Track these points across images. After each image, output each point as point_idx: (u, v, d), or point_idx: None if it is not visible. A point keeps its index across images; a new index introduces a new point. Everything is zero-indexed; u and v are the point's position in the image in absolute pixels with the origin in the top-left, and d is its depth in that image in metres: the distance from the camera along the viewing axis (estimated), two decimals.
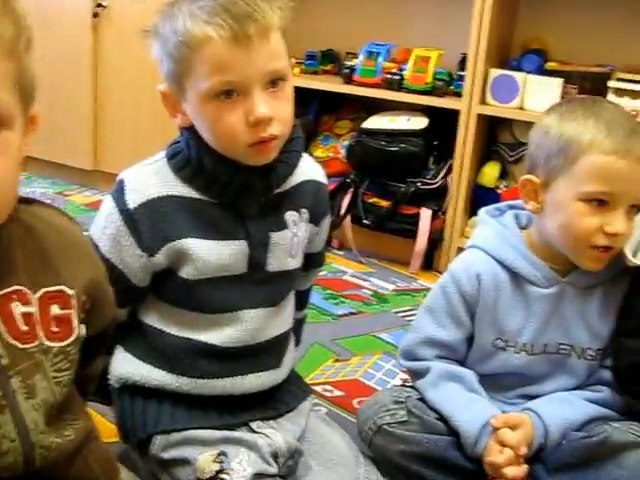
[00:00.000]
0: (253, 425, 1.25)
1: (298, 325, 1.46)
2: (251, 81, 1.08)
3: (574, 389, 1.37)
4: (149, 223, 1.16)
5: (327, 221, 1.36)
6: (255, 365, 1.26)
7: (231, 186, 1.17)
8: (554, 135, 1.28)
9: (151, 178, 1.18)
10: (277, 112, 1.11)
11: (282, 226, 1.24)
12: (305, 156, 1.29)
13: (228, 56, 1.06)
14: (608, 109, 1.30)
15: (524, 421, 1.29)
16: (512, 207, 1.43)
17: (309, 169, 1.30)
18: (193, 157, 1.17)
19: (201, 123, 1.14)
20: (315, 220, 1.31)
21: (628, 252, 1.33)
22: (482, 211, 1.44)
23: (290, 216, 1.25)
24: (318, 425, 1.36)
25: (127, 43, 2.84)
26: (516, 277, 1.34)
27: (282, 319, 1.30)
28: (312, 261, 1.38)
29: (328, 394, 1.74)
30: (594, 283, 1.35)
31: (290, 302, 1.33)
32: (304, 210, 1.27)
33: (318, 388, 1.75)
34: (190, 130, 1.16)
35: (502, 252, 1.35)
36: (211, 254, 1.17)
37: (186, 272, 1.18)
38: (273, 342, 1.28)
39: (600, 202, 1.24)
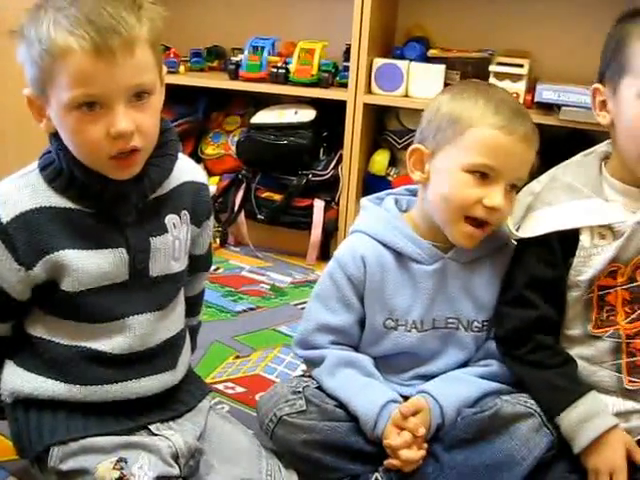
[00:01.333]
0: (152, 428, 1.23)
1: (193, 332, 1.46)
2: (114, 95, 1.07)
3: (465, 363, 1.41)
4: (24, 236, 1.13)
5: (210, 222, 1.35)
6: (149, 368, 1.25)
7: (104, 195, 1.16)
8: (445, 111, 1.33)
9: (23, 190, 1.15)
10: (140, 125, 1.10)
11: (162, 230, 1.23)
12: (183, 158, 1.29)
13: (90, 69, 1.05)
14: (498, 91, 1.37)
15: (421, 404, 1.32)
16: (391, 194, 1.46)
17: (188, 171, 1.29)
18: (64, 168, 1.15)
19: (64, 133, 1.12)
20: (197, 221, 1.31)
21: (511, 226, 1.38)
22: (363, 199, 1.47)
23: (170, 220, 1.24)
24: (219, 423, 1.36)
25: None
26: (400, 256, 1.37)
27: (172, 321, 1.29)
28: (198, 264, 1.37)
29: (230, 391, 1.73)
30: (476, 257, 1.39)
31: (179, 303, 1.32)
32: (184, 212, 1.27)
33: (220, 386, 1.74)
34: (58, 140, 1.14)
35: (384, 233, 1.38)
36: (90, 264, 1.16)
37: (67, 284, 1.16)
38: (166, 345, 1.27)
39: (482, 175, 1.28)
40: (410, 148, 1.38)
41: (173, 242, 1.24)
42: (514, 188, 1.32)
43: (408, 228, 1.38)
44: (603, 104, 1.33)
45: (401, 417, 1.29)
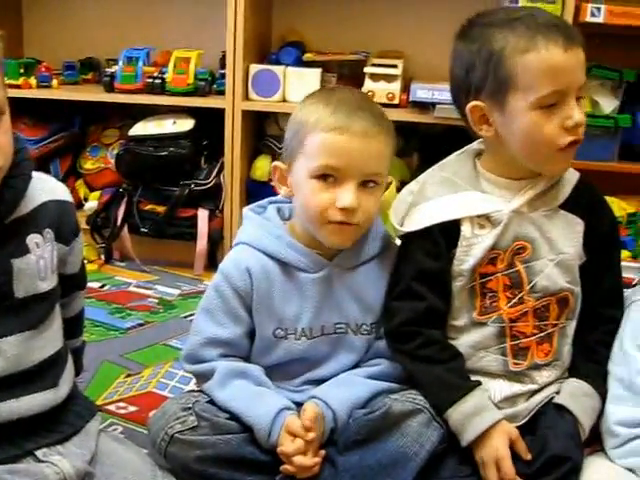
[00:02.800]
0: (39, 454, 1.20)
1: (77, 353, 1.42)
2: None
3: (356, 365, 1.42)
4: None
5: (79, 240, 1.33)
6: (28, 388, 1.21)
7: None
8: (292, 121, 1.36)
9: None
10: None
11: (24, 251, 1.20)
12: (44, 177, 1.27)
13: None
14: (342, 92, 1.38)
15: (314, 410, 1.32)
16: (274, 202, 1.46)
17: (49, 190, 1.27)
18: None
19: None
20: (64, 240, 1.28)
21: (395, 223, 1.41)
22: (245, 209, 1.46)
23: (32, 239, 1.21)
24: (111, 446, 1.32)
25: None
26: (285, 266, 1.38)
27: (48, 340, 1.26)
28: (72, 283, 1.35)
29: (122, 411, 1.69)
30: (361, 261, 1.41)
31: (55, 322, 1.28)
32: (48, 230, 1.23)
33: (112, 407, 1.70)
34: None
35: (268, 244, 1.38)
36: None
37: None
38: (44, 364, 1.23)
39: (329, 178, 1.30)
40: (272, 165, 1.39)
41: (37, 262, 1.21)
42: (373, 185, 1.33)
43: (291, 237, 1.39)
44: (484, 118, 1.37)
45: (287, 422, 1.29)
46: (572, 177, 1.41)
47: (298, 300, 1.38)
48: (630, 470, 1.30)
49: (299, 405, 1.35)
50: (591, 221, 1.40)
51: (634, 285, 1.46)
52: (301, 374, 1.41)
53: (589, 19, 2.35)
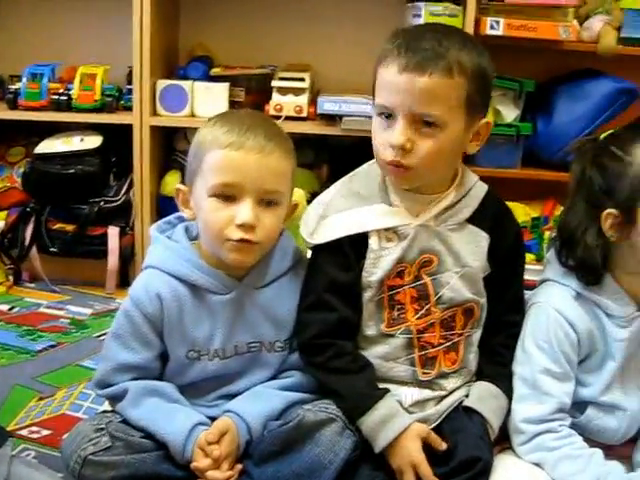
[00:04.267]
0: None
1: None
2: None
3: (269, 379, 1.43)
4: None
5: None
6: None
7: None
8: (193, 143, 1.37)
9: None
10: None
11: None
12: None
13: None
14: (242, 113, 1.40)
15: (228, 425, 1.33)
16: (182, 218, 1.45)
17: None
18: None
19: None
20: None
21: (305, 235, 1.43)
22: (153, 228, 1.45)
23: None
24: (24, 472, 1.31)
25: None
26: (195, 289, 1.37)
27: None
28: None
29: (35, 435, 1.66)
30: (271, 279, 1.42)
31: None
32: None
33: (24, 432, 1.67)
34: None
35: (177, 267, 1.37)
36: None
37: None
38: None
39: (226, 197, 1.31)
40: (175, 188, 1.40)
41: None
42: (273, 204, 1.34)
43: (199, 258, 1.38)
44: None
45: (206, 443, 1.29)
46: (480, 191, 1.44)
47: (210, 322, 1.38)
48: (536, 465, 1.36)
49: (214, 420, 1.35)
50: (496, 234, 1.44)
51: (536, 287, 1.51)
52: (215, 390, 1.42)
53: (489, 32, 2.43)
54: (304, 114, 2.46)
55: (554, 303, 1.39)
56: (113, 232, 2.50)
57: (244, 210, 1.30)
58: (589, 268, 1.37)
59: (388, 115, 1.32)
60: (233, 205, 1.31)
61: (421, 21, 2.39)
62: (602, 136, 1.42)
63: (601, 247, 1.36)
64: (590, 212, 1.37)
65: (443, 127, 1.31)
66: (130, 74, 2.54)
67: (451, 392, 1.42)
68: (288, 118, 2.44)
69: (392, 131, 1.31)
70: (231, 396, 1.40)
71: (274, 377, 1.43)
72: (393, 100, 1.31)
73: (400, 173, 1.34)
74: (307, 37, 2.72)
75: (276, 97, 2.48)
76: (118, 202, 2.51)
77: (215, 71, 2.58)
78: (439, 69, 1.28)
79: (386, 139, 1.32)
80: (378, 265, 1.39)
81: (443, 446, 1.33)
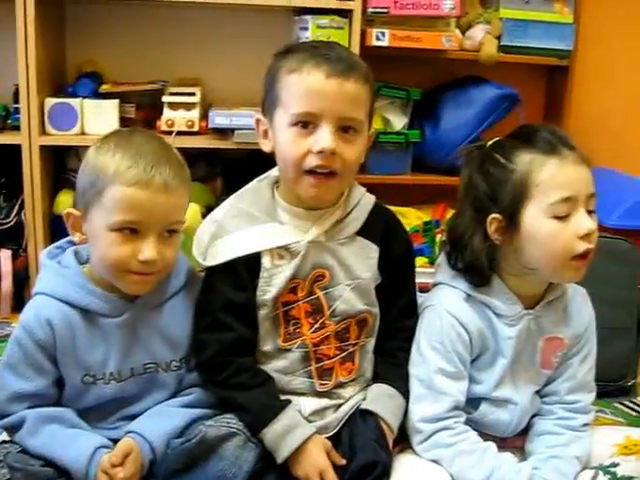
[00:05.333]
0: None
1: None
2: None
3: (169, 398, 1.42)
4: None
5: None
6: None
7: None
8: (89, 168, 1.33)
9: None
10: None
11: None
12: None
13: None
14: (139, 141, 1.35)
15: (131, 446, 1.32)
16: (73, 242, 1.43)
17: None
18: None
19: None
20: None
21: (198, 256, 1.44)
22: (43, 254, 1.43)
23: None
24: None
25: None
26: (87, 313, 1.36)
27: None
28: None
29: None
30: (164, 299, 1.41)
31: None
32: None
33: None
34: None
35: (67, 293, 1.35)
36: None
37: None
38: None
39: (131, 230, 1.30)
40: (64, 212, 1.37)
41: None
42: (173, 233, 1.35)
43: (90, 283, 1.37)
44: (265, 133, 1.43)
45: (110, 465, 1.28)
46: (367, 203, 1.48)
47: (103, 346, 1.37)
48: (435, 462, 1.41)
49: (116, 442, 1.34)
50: (386, 245, 1.48)
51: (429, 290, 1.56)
52: (115, 412, 1.40)
53: (375, 43, 2.50)
54: (196, 129, 2.47)
55: (446, 305, 1.44)
56: (5, 255, 2.42)
57: (148, 248, 1.30)
58: (476, 270, 1.42)
59: (306, 123, 1.34)
60: (136, 240, 1.30)
61: (308, 34, 2.43)
62: (489, 143, 1.48)
63: (487, 250, 1.41)
64: (476, 217, 1.43)
65: (360, 133, 1.38)
66: (17, 92, 2.47)
67: (349, 398, 1.46)
68: (180, 133, 2.44)
69: (316, 137, 1.34)
70: (132, 417, 1.39)
71: (173, 396, 1.43)
72: (320, 105, 1.33)
73: (325, 181, 1.37)
74: (197, 51, 2.72)
75: (167, 112, 2.48)
76: (9, 224, 2.44)
77: (104, 88, 2.54)
78: (359, 75, 1.36)
79: (309, 146, 1.34)
80: (272, 283, 1.41)
81: (342, 462, 1.37)
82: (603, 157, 2.79)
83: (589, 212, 1.37)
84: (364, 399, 1.46)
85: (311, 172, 1.36)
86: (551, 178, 1.35)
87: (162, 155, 1.34)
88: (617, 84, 3.08)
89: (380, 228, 1.48)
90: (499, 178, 1.39)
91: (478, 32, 2.71)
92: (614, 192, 2.70)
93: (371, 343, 1.50)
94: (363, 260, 1.46)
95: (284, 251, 1.42)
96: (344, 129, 1.36)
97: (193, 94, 2.50)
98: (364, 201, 1.48)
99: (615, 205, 2.62)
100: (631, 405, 2.15)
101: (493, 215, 1.40)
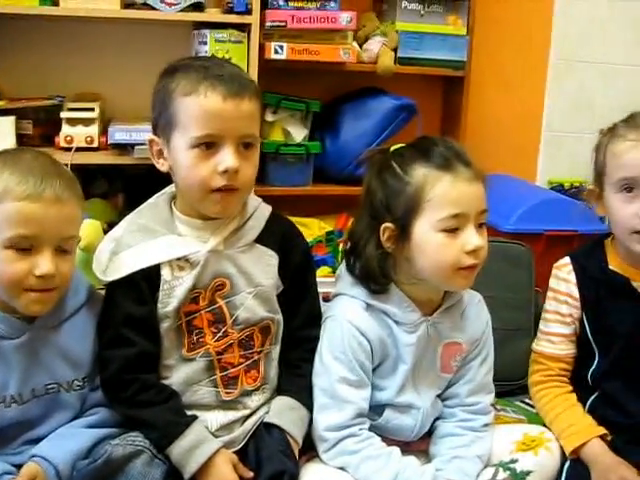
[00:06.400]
0: None
1: None
2: None
3: (73, 419, 1.41)
4: None
5: None
6: None
7: None
8: None
9: None
10: None
11: None
12: None
13: None
14: (28, 158, 1.35)
15: (35, 470, 1.30)
16: None
17: None
18: None
19: None
20: None
21: (98, 272, 1.44)
22: None
23: None
24: None
25: None
26: None
27: None
28: None
29: None
30: (64, 318, 1.40)
31: None
32: None
33: None
34: None
35: None
36: None
37: None
38: None
39: (23, 248, 1.29)
40: None
41: None
42: (66, 251, 1.34)
43: None
44: (160, 153, 1.44)
45: None
46: (264, 212, 1.52)
47: (2, 368, 1.34)
48: (342, 469, 1.44)
49: (20, 467, 1.32)
50: (285, 253, 1.51)
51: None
52: (18, 436, 1.38)
53: (273, 56, 2.52)
54: (95, 144, 2.42)
55: (346, 315, 1.47)
56: None
57: (44, 261, 1.29)
58: (371, 277, 1.46)
59: (208, 144, 1.36)
60: (30, 256, 1.29)
61: (207, 48, 2.43)
62: (392, 148, 1.51)
63: (380, 258, 1.45)
64: (372, 224, 1.46)
65: (256, 148, 1.42)
66: None
67: (255, 411, 1.48)
68: (79, 149, 2.39)
69: (219, 158, 1.36)
70: (36, 440, 1.37)
71: (77, 417, 1.42)
72: (221, 127, 1.36)
73: (229, 197, 1.40)
74: (95, 66, 2.68)
75: (66, 128, 2.43)
76: None
77: (0, 104, 2.49)
78: (252, 93, 1.40)
79: (213, 167, 1.37)
80: (173, 295, 1.42)
81: (250, 474, 1.38)
82: (499, 163, 2.91)
83: (480, 225, 1.42)
84: (268, 412, 1.48)
85: (216, 190, 1.38)
86: (443, 195, 1.39)
87: (52, 170, 1.34)
88: (510, 93, 3.19)
89: (278, 236, 1.51)
90: (394, 188, 1.43)
91: (375, 44, 2.76)
92: (510, 197, 2.80)
93: (276, 351, 1.52)
94: (263, 267, 1.48)
95: (184, 262, 1.43)
96: (244, 145, 1.39)
97: (92, 109, 2.45)
98: (260, 210, 1.51)
99: (511, 210, 2.71)
100: (531, 403, 2.22)
101: (386, 224, 1.43)
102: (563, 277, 1.67)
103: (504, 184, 2.88)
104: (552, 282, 1.69)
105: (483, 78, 3.09)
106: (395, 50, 2.79)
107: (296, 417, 1.47)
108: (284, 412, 1.47)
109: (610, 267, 1.62)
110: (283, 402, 1.49)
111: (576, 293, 1.64)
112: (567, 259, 1.68)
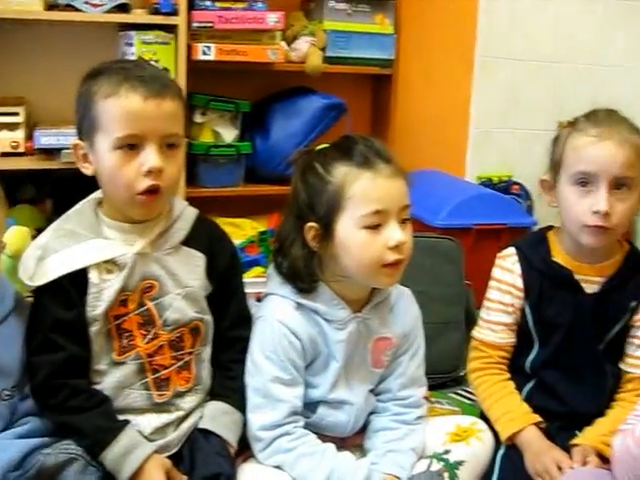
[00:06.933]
0: None
1: None
2: None
3: (4, 430, 1.38)
4: None
5: None
6: None
7: None
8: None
9: None
10: None
11: None
12: None
13: None
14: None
15: None
16: None
17: None
18: None
19: None
20: None
21: (25, 279, 1.42)
22: None
23: None
24: None
25: None
26: None
27: None
28: None
29: None
30: None
31: None
32: None
33: None
34: None
35: None
36: None
37: None
38: None
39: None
40: None
41: None
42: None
43: None
44: (85, 157, 1.44)
45: None
46: (190, 214, 1.53)
47: None
48: (278, 467, 1.44)
49: None
50: (212, 255, 1.52)
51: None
52: None
53: (201, 57, 2.52)
54: (21, 149, 2.39)
55: (276, 315, 1.48)
56: None
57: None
58: (298, 277, 1.48)
59: (131, 145, 1.37)
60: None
61: (134, 50, 2.42)
62: (317, 148, 1.53)
63: (306, 257, 1.47)
64: (297, 223, 1.48)
65: (179, 147, 1.43)
66: None
67: (189, 414, 1.48)
68: (4, 155, 2.36)
69: (142, 158, 1.37)
70: None
71: (7, 428, 1.39)
72: (142, 127, 1.37)
73: (154, 198, 1.40)
74: (19, 69, 2.64)
75: None
76: None
77: None
78: (174, 93, 1.41)
79: (137, 168, 1.37)
80: (101, 298, 1.41)
81: (183, 478, 1.39)
82: (428, 160, 2.97)
83: (404, 221, 1.44)
84: (202, 416, 1.48)
85: (141, 193, 1.38)
86: (363, 192, 1.41)
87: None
88: (437, 90, 3.26)
89: (205, 239, 1.52)
90: (317, 188, 1.45)
91: (303, 44, 2.78)
92: (440, 193, 2.86)
93: (206, 352, 1.52)
94: (190, 269, 1.49)
95: (111, 265, 1.42)
96: (168, 145, 1.40)
97: (17, 114, 2.42)
98: (187, 212, 1.52)
99: (441, 205, 2.76)
100: (464, 394, 2.28)
101: (310, 223, 1.45)
102: (508, 267, 1.69)
103: (433, 180, 2.94)
104: (496, 272, 1.72)
105: (411, 76, 3.14)
106: (323, 49, 2.81)
107: (229, 421, 1.48)
108: (217, 417, 1.48)
109: (553, 259, 1.66)
110: (216, 407, 1.49)
111: (520, 284, 1.67)
112: (512, 249, 1.71)
